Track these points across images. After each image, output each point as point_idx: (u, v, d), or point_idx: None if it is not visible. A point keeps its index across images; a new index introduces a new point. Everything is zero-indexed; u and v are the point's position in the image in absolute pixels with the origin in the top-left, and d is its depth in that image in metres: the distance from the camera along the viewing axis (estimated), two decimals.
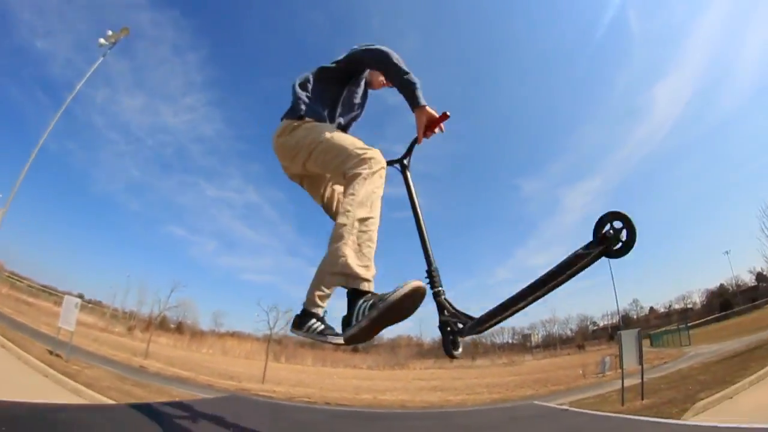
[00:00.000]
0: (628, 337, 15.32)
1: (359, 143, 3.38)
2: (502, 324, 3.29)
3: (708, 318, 67.05)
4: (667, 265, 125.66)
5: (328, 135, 3.44)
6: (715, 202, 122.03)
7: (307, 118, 3.61)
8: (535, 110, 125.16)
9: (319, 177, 4.00)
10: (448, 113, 3.52)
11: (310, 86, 3.80)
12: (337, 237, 3.02)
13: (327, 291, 3.85)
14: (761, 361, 15.22)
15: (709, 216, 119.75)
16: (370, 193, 3.17)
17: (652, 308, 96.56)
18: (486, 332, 4.09)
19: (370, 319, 2.76)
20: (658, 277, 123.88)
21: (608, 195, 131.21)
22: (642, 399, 13.90)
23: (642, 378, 14.87)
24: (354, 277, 2.93)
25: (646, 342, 59.59)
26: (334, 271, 2.99)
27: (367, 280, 2.95)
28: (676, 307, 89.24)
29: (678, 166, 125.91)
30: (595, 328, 77.54)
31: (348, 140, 3.41)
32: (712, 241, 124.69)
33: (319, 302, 3.83)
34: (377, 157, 3.31)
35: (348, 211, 3.09)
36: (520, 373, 40.80)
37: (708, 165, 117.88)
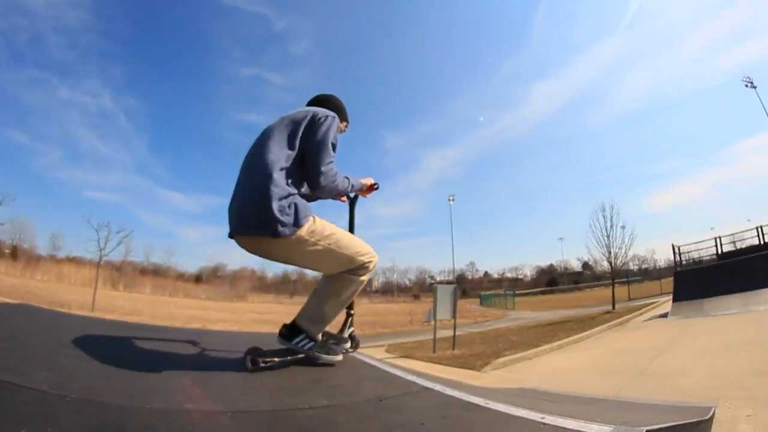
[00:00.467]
0: (444, 290, 15.46)
1: (363, 247, 3.60)
2: None
3: (535, 290, 73.05)
4: (507, 238, 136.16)
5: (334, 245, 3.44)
6: (559, 196, 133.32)
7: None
8: (422, 70, 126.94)
9: None
10: (377, 186, 4.11)
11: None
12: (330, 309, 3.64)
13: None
14: (568, 332, 16.26)
15: (552, 206, 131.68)
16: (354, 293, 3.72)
17: (486, 272, 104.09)
18: None
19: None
20: (497, 247, 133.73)
21: (465, 165, 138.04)
22: (453, 349, 14.31)
23: (454, 330, 15.36)
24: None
25: (476, 301, 63.45)
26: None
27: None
28: (509, 275, 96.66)
29: (533, 156, 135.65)
30: (432, 282, 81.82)
31: (353, 245, 3.55)
32: (550, 227, 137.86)
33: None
34: (375, 261, 3.64)
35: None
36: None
37: (559, 164, 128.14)
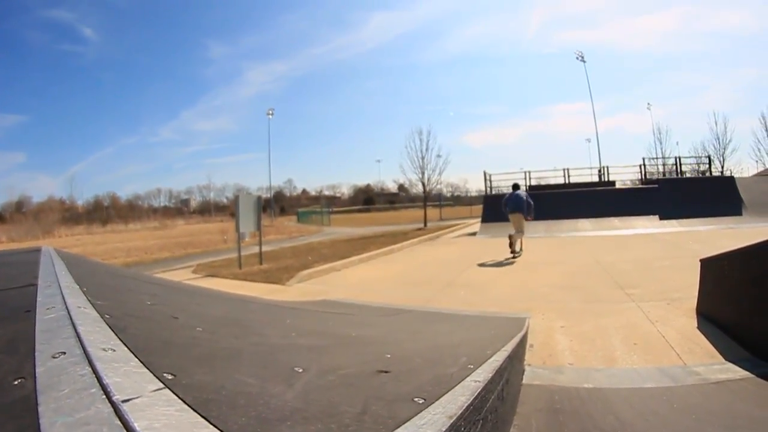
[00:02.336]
0: (246, 201, 14.06)
1: None
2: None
3: (352, 208, 74.41)
4: (327, 157, 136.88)
5: None
6: (382, 121, 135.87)
7: None
8: None
9: None
10: None
11: None
12: None
13: None
14: (380, 245, 16.12)
15: (374, 130, 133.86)
16: None
17: (304, 190, 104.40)
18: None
19: None
20: (316, 165, 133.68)
21: (289, 82, 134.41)
22: (261, 264, 13.51)
23: (260, 244, 14.47)
24: None
25: (293, 218, 63.21)
26: None
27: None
28: (327, 193, 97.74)
29: (360, 80, 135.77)
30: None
31: None
32: (370, 149, 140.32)
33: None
34: None
35: None
36: (168, 236, 39.65)
37: (385, 91, 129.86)
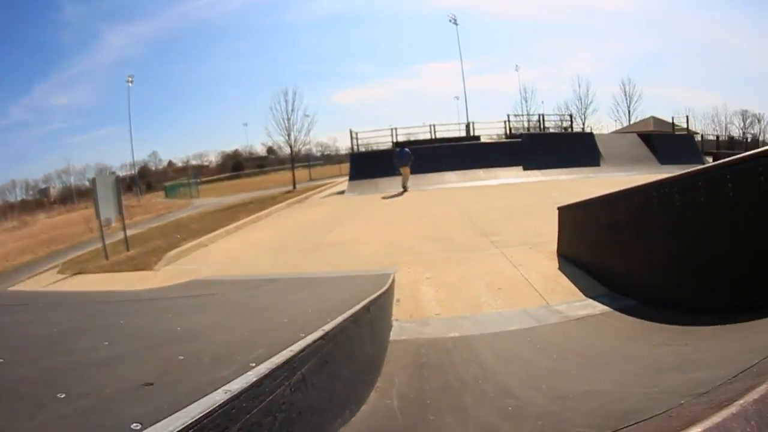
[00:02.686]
0: (103, 183, 12.50)
1: None
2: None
3: (220, 176, 71.66)
4: (192, 125, 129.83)
5: None
6: (250, 82, 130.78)
7: None
8: None
9: None
10: None
11: None
12: None
13: None
14: (248, 213, 15.44)
15: (241, 92, 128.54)
16: None
17: (171, 162, 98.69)
18: None
19: None
20: (181, 133, 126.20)
21: (152, 44, 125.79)
22: (128, 250, 12.29)
23: (124, 229, 13.20)
24: None
25: (161, 193, 59.87)
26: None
27: None
28: (194, 163, 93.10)
29: (226, 41, 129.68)
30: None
31: None
32: (237, 113, 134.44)
33: None
34: None
35: None
36: (29, 235, 34.85)
37: (252, 51, 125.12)
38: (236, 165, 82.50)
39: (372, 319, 3.05)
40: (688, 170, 4.32)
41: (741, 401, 1.32)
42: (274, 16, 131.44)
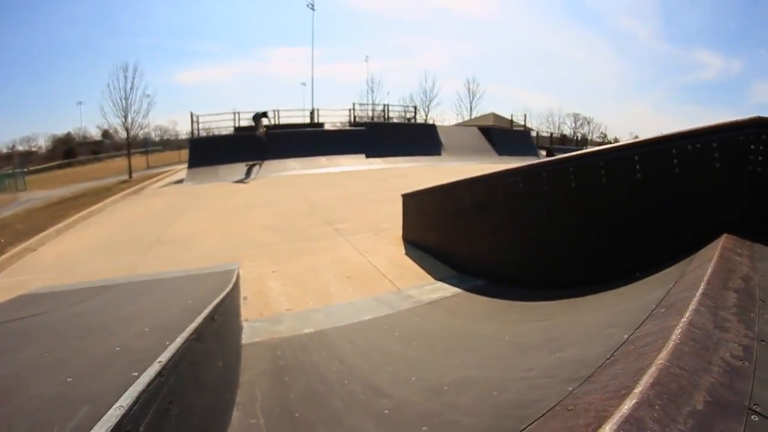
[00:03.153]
0: None
1: None
2: None
3: (51, 164, 64.17)
4: (17, 104, 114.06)
5: None
6: (83, 55, 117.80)
7: None
8: None
9: None
10: None
11: None
12: None
13: None
14: (81, 208, 13.76)
15: (73, 67, 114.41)
16: None
17: None
18: None
19: None
20: (5, 115, 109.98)
21: None
22: None
23: None
24: None
25: None
26: None
27: None
28: (21, 149, 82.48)
29: (57, 7, 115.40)
30: None
31: None
32: (69, 90, 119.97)
33: None
34: None
35: None
36: None
37: (88, 19, 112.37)
38: (68, 151, 73.48)
39: (219, 329, 2.69)
40: (534, 162, 4.77)
41: (639, 389, 1.29)
42: None
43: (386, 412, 2.22)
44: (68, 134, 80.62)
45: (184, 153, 29.93)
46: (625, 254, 3.47)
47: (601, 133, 65.41)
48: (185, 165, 22.81)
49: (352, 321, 4.13)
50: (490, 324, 3.56)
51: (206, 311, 2.50)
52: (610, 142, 40.42)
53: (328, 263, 5.93)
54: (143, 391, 1.51)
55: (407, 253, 6.27)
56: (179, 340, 1.96)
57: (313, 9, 48.66)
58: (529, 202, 4.51)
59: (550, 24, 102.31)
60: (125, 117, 24.71)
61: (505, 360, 2.52)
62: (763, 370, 1.41)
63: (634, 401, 1.22)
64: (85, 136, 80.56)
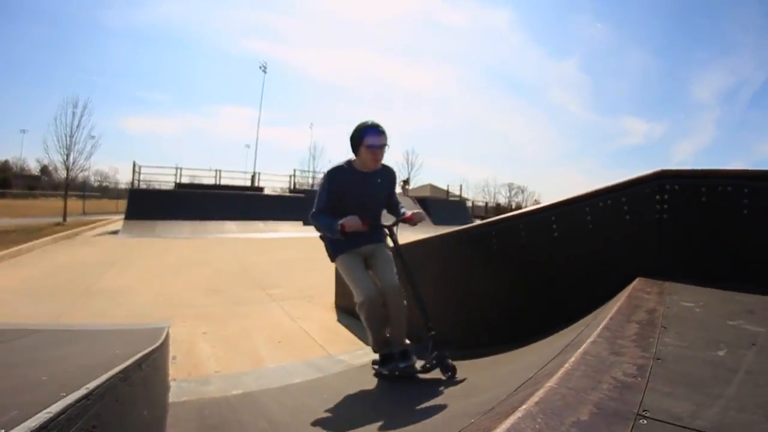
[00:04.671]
0: None
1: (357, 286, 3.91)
2: None
3: None
4: None
5: None
6: (37, 80, 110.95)
7: None
8: None
9: None
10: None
11: None
12: None
13: None
14: (6, 245, 12.96)
15: (19, 93, 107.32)
16: None
17: None
18: None
19: None
20: None
21: None
22: None
23: None
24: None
25: None
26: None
27: None
28: None
29: (19, 21, 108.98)
30: None
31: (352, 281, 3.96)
32: (13, 114, 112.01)
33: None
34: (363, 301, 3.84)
35: None
36: None
37: (46, 40, 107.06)
38: (4, 180, 68.93)
39: (145, 378, 2.67)
40: (456, 229, 5.01)
41: (524, 406, 1.39)
42: (84, 9, 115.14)
43: None
44: (6, 162, 75.00)
45: (122, 203, 28.89)
46: (548, 309, 3.69)
47: (535, 200, 68.49)
48: (122, 216, 22.05)
49: (282, 383, 4.13)
50: (418, 384, 3.67)
51: (134, 358, 2.51)
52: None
53: (260, 327, 5.91)
54: (71, 405, 1.55)
55: (339, 320, 6.35)
56: (106, 375, 1.98)
57: (264, 71, 49.45)
58: (454, 265, 4.78)
59: (487, 97, 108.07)
60: (67, 155, 23.30)
61: (425, 411, 2.66)
62: (656, 382, 1.56)
63: (517, 417, 1.33)
64: (23, 168, 75.38)
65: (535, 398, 1.45)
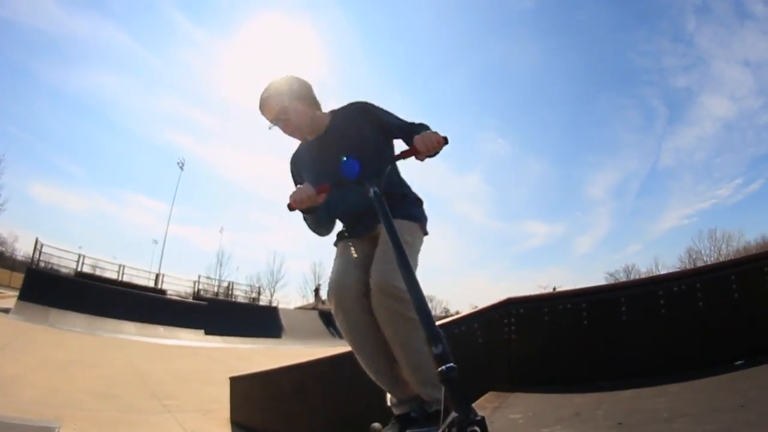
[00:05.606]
0: None
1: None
2: None
3: None
4: None
5: None
6: None
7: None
8: None
9: None
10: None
11: None
12: None
13: None
14: None
15: None
16: None
17: None
18: None
19: None
20: None
21: None
22: None
23: None
24: None
25: None
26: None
27: None
28: None
29: None
30: None
31: None
32: None
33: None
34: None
35: None
36: None
37: None
38: None
39: None
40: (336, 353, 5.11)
41: None
42: (18, 51, 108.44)
43: None
44: None
45: (17, 276, 26.98)
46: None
47: (443, 308, 69.11)
48: (15, 292, 20.57)
49: None
50: None
51: None
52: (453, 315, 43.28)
53: None
54: None
55: None
56: None
57: (182, 168, 49.30)
58: (337, 386, 4.93)
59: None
60: None
61: None
62: None
63: None
64: None
65: None
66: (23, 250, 52.85)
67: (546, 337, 3.74)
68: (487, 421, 1.52)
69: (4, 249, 64.17)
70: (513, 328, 3.81)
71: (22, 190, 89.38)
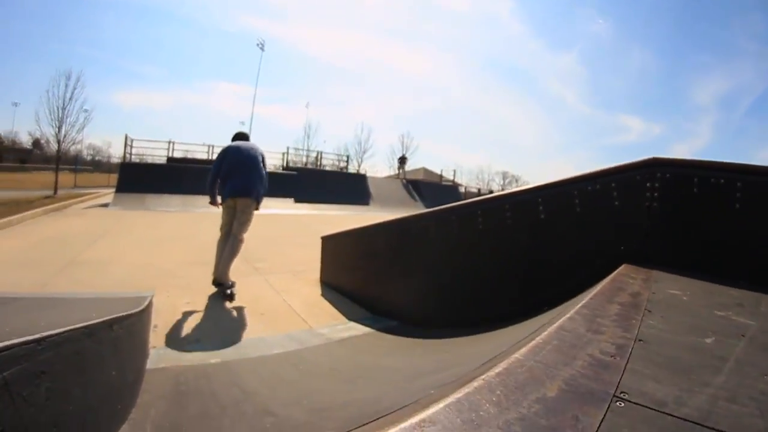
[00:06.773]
0: None
1: None
2: None
3: None
4: None
5: None
6: (27, 52, 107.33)
7: None
8: None
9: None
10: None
11: None
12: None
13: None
14: None
15: (13, 62, 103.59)
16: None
17: None
18: None
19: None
20: None
21: None
22: None
23: None
24: None
25: None
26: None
27: None
28: None
29: None
30: None
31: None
32: (5, 87, 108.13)
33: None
34: None
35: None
36: None
37: (36, 11, 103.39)
38: None
39: (116, 339, 2.57)
40: (444, 206, 4.79)
41: (483, 376, 1.32)
42: None
43: (268, 426, 2.31)
44: None
45: (114, 177, 28.34)
46: (532, 292, 3.61)
47: None
48: (113, 190, 21.72)
49: (260, 354, 4.08)
50: (393, 358, 3.67)
51: (105, 318, 2.41)
52: None
53: (243, 300, 5.83)
54: (16, 345, 1.51)
55: (323, 295, 6.28)
56: (68, 327, 1.88)
57: (262, 49, 48.42)
58: (439, 245, 4.65)
59: (484, 84, 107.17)
60: (59, 128, 22.44)
61: (396, 383, 2.63)
62: (636, 363, 1.48)
63: (473, 386, 1.27)
64: (14, 141, 73.36)
65: (497, 369, 1.37)
66: (118, 153, 55.89)
67: (692, 214, 3.05)
68: (650, 292, 1.95)
69: (100, 157, 68.61)
70: (655, 194, 3.14)
71: (107, 101, 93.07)
